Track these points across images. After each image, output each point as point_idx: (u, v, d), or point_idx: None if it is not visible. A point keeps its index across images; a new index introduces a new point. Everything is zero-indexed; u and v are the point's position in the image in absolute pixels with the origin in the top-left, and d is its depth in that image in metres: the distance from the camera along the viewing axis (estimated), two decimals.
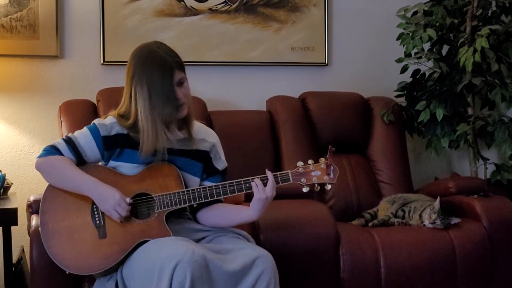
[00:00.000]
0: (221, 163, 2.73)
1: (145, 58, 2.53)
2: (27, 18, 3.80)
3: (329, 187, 2.57)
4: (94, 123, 2.63)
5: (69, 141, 2.60)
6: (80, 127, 2.67)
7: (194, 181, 2.66)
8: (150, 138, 2.50)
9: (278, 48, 4.23)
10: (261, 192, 2.49)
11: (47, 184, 2.63)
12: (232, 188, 2.53)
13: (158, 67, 2.50)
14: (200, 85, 3.98)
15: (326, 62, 4.33)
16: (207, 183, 2.66)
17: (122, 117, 2.59)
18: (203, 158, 2.68)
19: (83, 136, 2.61)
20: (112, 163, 2.63)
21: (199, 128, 2.73)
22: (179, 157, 2.62)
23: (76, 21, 3.94)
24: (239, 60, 4.18)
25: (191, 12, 4.08)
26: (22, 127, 3.85)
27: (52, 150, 2.60)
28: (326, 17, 4.30)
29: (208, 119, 3.78)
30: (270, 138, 3.89)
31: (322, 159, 2.58)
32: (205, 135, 2.72)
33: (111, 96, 3.54)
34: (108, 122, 2.61)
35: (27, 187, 3.81)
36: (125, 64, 2.59)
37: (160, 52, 2.53)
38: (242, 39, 4.17)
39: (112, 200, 2.47)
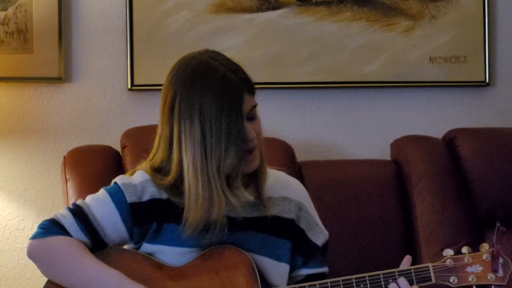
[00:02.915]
0: (318, 232, 2.41)
1: (193, 75, 2.21)
2: (15, 21, 3.37)
3: None
4: (116, 183, 2.35)
5: (78, 213, 2.31)
6: (96, 189, 2.37)
7: (279, 271, 2.30)
8: (199, 204, 2.17)
9: (408, 59, 3.66)
10: None
11: (45, 279, 2.32)
12: None
13: (218, 88, 2.20)
14: (285, 120, 3.54)
15: (487, 81, 3.69)
16: (305, 272, 2.33)
17: (158, 171, 2.28)
18: (290, 230, 2.34)
19: (100, 204, 2.32)
20: (147, 247, 2.30)
21: (278, 181, 2.43)
22: (251, 233, 2.29)
23: (90, 24, 3.44)
24: (345, 79, 3.61)
25: (269, 4, 3.53)
26: (7, 190, 3.38)
27: (53, 227, 2.30)
28: (486, 9, 3.65)
29: (298, 173, 3.29)
30: (397, 204, 3.33)
31: (485, 246, 2.29)
32: (288, 191, 2.42)
33: (144, 139, 2.93)
34: (138, 180, 2.32)
35: (14, 284, 3.31)
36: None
37: (217, 65, 2.22)
38: (351, 46, 3.63)
39: None
